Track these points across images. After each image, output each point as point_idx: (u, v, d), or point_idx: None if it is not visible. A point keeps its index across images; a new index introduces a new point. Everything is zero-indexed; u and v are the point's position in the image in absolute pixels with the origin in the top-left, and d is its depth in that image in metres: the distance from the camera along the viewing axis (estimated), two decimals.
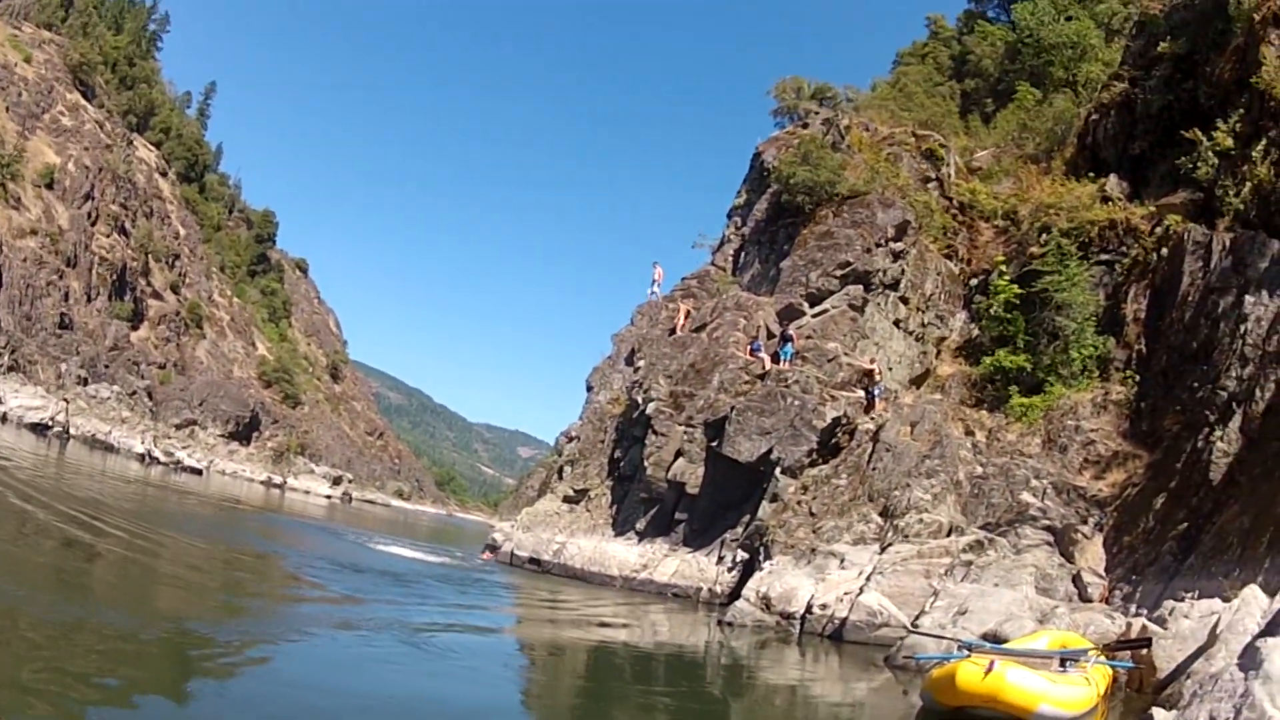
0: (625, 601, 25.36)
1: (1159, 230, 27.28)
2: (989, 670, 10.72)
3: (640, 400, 31.79)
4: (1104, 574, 20.69)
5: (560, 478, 37.76)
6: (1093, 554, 21.46)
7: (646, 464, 30.14)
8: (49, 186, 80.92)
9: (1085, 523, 22.39)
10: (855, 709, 13.15)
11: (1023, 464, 24.36)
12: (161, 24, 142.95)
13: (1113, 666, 13.27)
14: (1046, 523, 21.75)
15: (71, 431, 60.54)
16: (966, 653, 11.57)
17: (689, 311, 35.15)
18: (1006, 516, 22.59)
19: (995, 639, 15.32)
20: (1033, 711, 10.73)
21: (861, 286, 30.46)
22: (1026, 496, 22.98)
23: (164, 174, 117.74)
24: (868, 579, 20.58)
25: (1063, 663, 12.36)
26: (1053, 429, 25.70)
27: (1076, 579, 20.36)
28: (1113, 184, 30.66)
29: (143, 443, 67.36)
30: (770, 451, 27.32)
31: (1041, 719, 10.76)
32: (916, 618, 18.16)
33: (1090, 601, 19.32)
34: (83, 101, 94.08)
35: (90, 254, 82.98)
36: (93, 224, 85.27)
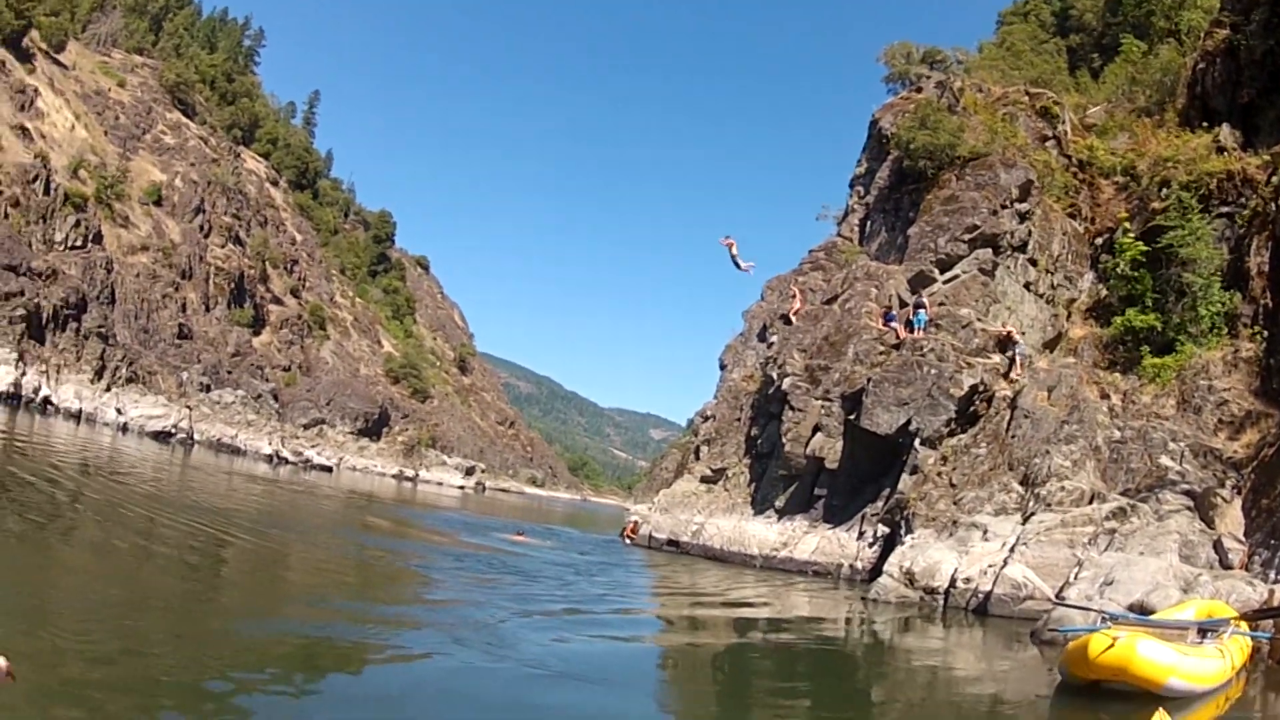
0: (766, 581, 25.21)
1: (1275, 180, 26.23)
2: (1117, 642, 10.47)
3: (775, 376, 31.53)
4: (1243, 539, 19.85)
5: (697, 458, 37.70)
6: (1232, 518, 20.60)
7: (784, 440, 29.88)
8: (157, 203, 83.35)
9: (1223, 486, 21.45)
10: (998, 686, 12.89)
11: (1159, 427, 23.47)
12: (257, 39, 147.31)
13: (1252, 637, 12.87)
14: (1186, 487, 20.89)
15: (196, 437, 62.57)
16: (1108, 625, 11.24)
17: (803, 295, 34.78)
18: (1146, 481, 21.79)
19: (1142, 610, 14.84)
20: (1162, 685, 10.50)
21: (990, 250, 29.67)
22: (1165, 460, 22.13)
23: (275, 183, 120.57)
24: (1011, 550, 20.11)
25: (1201, 633, 12.03)
26: (1186, 389, 24.73)
27: (1217, 545, 19.51)
28: (1225, 134, 29.54)
29: (270, 444, 69.49)
30: (909, 423, 26.85)
31: (1171, 692, 10.50)
32: (1061, 589, 17.66)
33: (1231, 568, 18.51)
34: (184, 119, 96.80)
35: (205, 265, 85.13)
36: (206, 236, 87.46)
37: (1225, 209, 27.78)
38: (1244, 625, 12.89)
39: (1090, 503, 21.31)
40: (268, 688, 7.30)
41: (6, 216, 60.60)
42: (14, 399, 49.14)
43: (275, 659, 8.17)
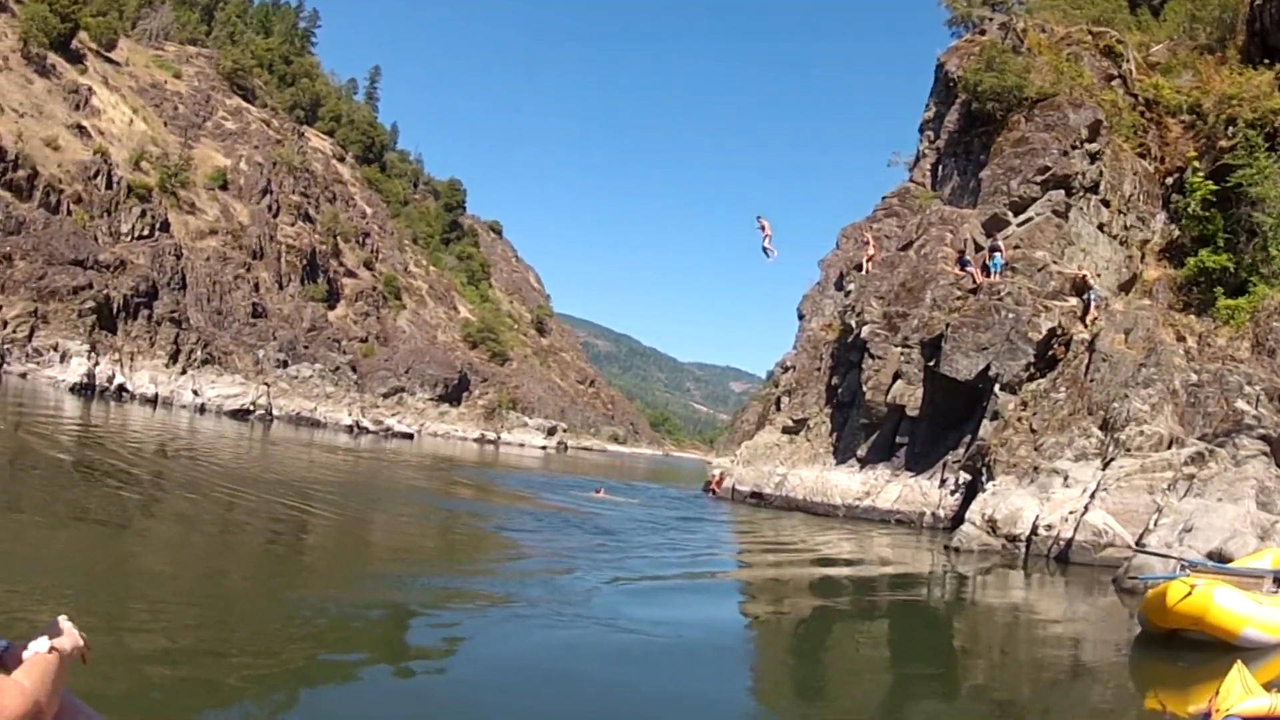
0: (849, 531, 25.27)
1: None
2: (1195, 590, 10.43)
3: (854, 324, 31.47)
4: None
5: (778, 409, 37.78)
6: None
7: (865, 388, 29.89)
8: (223, 188, 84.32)
9: None
10: (1079, 636, 12.91)
11: (1235, 370, 23.12)
12: (312, 20, 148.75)
13: None
14: (1262, 432, 20.54)
15: (275, 413, 63.54)
16: (1186, 572, 11.13)
17: (877, 243, 34.59)
18: (1223, 426, 21.48)
19: (1220, 558, 14.76)
20: (1237, 635, 10.46)
21: (1063, 191, 29.23)
22: (1241, 404, 21.81)
23: (341, 159, 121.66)
24: (1091, 497, 20.06)
25: (1277, 583, 11.90)
26: (1260, 332, 24.32)
27: None
28: None
29: (349, 415, 70.27)
30: (988, 368, 26.75)
31: (1246, 642, 10.43)
32: (1141, 536, 17.57)
33: None
34: (244, 104, 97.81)
35: (276, 244, 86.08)
36: (274, 216, 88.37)
37: None
38: None
39: (1169, 447, 21.14)
40: (351, 661, 7.45)
41: (69, 213, 61.66)
42: (88, 389, 50.11)
43: (358, 633, 8.32)
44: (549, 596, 10.81)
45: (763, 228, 33.47)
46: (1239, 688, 6.17)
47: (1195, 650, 10.59)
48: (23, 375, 48.24)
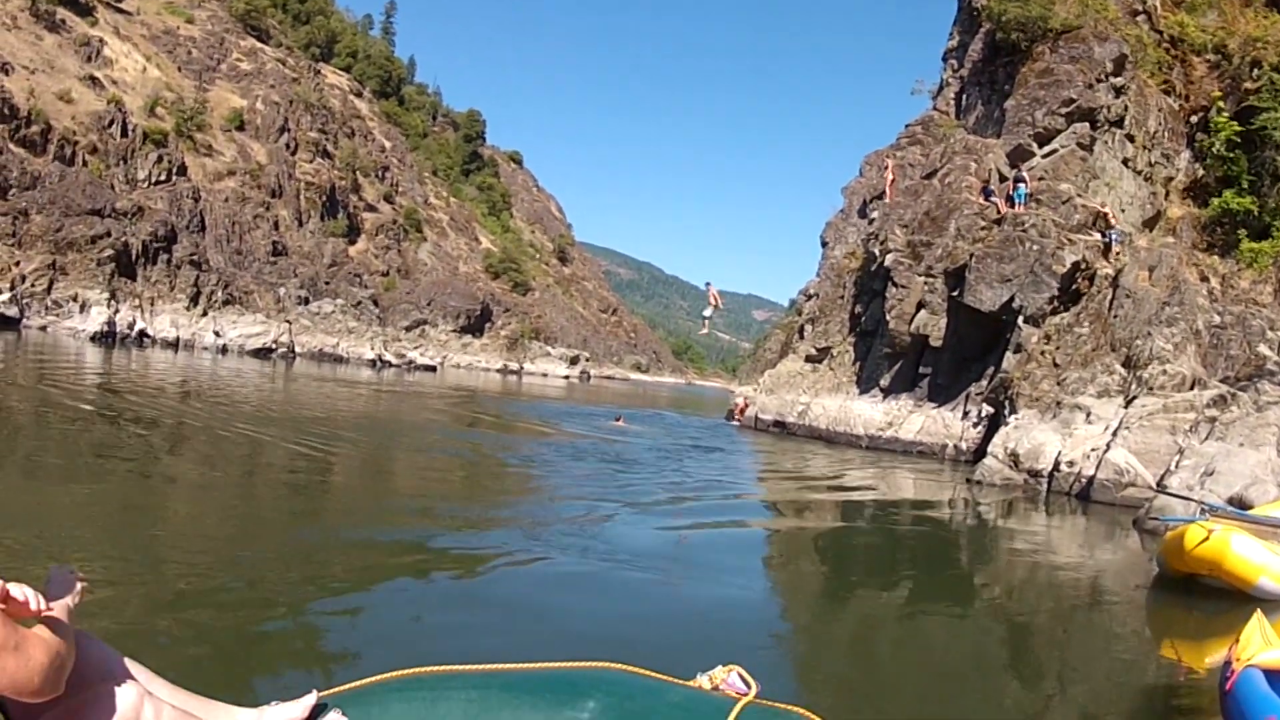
0: (872, 462, 25.46)
1: None
2: (1212, 535, 10.47)
3: (877, 252, 31.49)
4: None
5: (801, 337, 37.93)
6: None
7: (888, 317, 29.98)
8: (239, 128, 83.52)
9: None
10: (1098, 575, 12.97)
11: (1257, 314, 23.18)
12: None
13: None
14: None
15: (297, 350, 64.26)
16: (1206, 516, 11.14)
17: (896, 172, 34.48)
18: (1245, 370, 21.44)
19: (1241, 504, 14.53)
20: (1253, 584, 10.47)
21: (1088, 124, 29.04)
22: (1264, 349, 21.73)
23: (359, 95, 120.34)
24: (1114, 434, 20.13)
25: None
26: None
27: None
28: None
29: (372, 349, 70.97)
30: (1012, 300, 26.79)
31: (1261, 592, 10.41)
32: (1163, 477, 17.54)
33: None
34: (259, 45, 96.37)
35: (295, 182, 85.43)
36: (293, 154, 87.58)
37: None
38: None
39: (1191, 388, 21.18)
40: (376, 596, 7.55)
41: (85, 164, 61.38)
42: (109, 337, 50.49)
43: (383, 566, 8.47)
44: (566, 531, 10.94)
45: (712, 298, 33.38)
46: (1258, 638, 6.04)
47: (1212, 598, 10.64)
48: (43, 328, 48.55)
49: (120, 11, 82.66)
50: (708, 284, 34.03)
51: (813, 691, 6.44)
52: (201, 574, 7.49)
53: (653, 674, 3.31)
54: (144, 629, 5.95)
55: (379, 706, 3.11)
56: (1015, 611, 10.38)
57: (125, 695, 2.64)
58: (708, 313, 34.68)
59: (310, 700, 3.11)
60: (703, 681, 3.38)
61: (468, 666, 3.35)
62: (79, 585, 2.80)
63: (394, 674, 3.25)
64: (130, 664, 2.85)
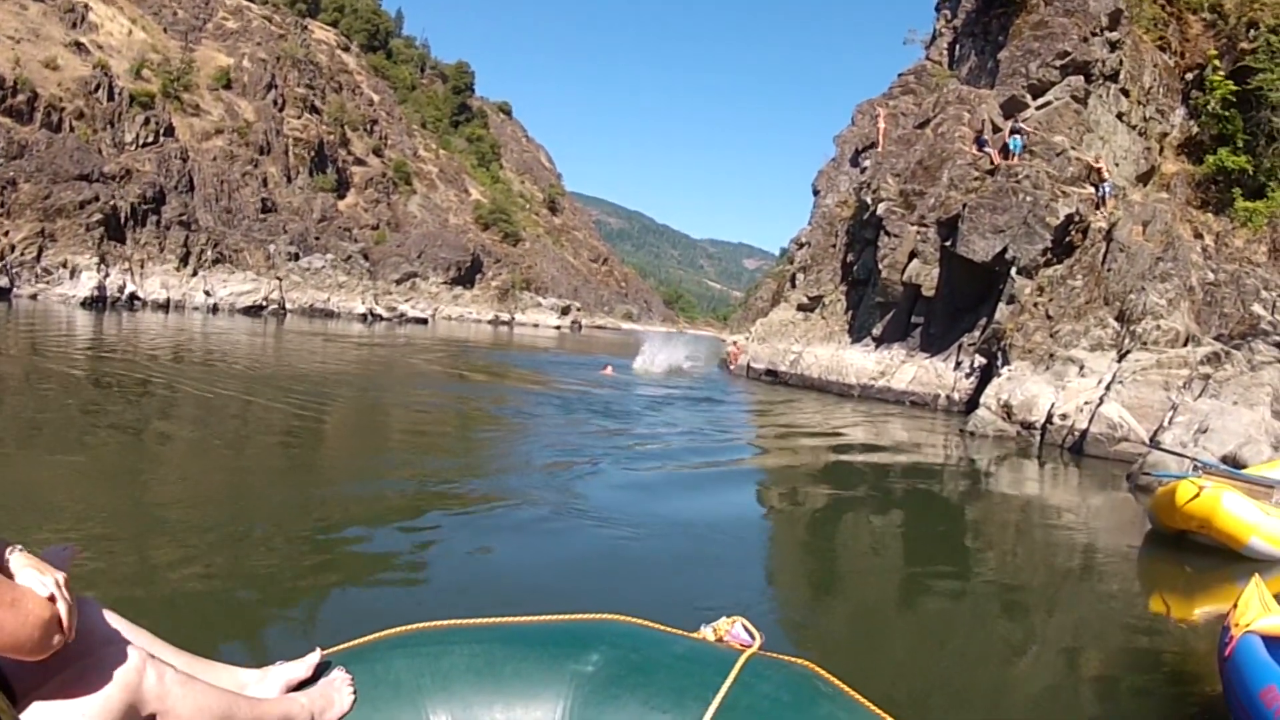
0: (864, 413, 25.55)
1: None
2: (1203, 492, 10.48)
3: (870, 201, 31.47)
4: None
5: (793, 286, 37.96)
6: None
7: (880, 266, 30.01)
8: (226, 87, 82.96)
9: None
10: (1090, 530, 13.01)
11: (1252, 273, 23.27)
12: None
13: None
14: (1277, 339, 20.54)
15: (288, 306, 64.52)
16: (1199, 473, 11.16)
17: (888, 121, 34.37)
18: (1239, 329, 21.56)
19: (1234, 463, 14.68)
20: (1243, 543, 10.48)
21: (1082, 78, 28.87)
22: (1258, 309, 21.86)
23: (346, 49, 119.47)
24: (1107, 388, 20.21)
25: None
26: (1277, 237, 24.47)
27: None
28: None
29: (363, 303, 71.32)
30: (1005, 250, 26.77)
31: (1252, 552, 10.46)
32: (1156, 433, 17.68)
33: None
34: (245, 3, 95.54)
35: (283, 138, 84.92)
36: (280, 110, 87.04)
37: None
38: None
39: (1184, 345, 21.23)
40: (368, 554, 7.65)
41: (72, 130, 60.90)
42: (99, 302, 50.42)
43: (374, 524, 8.55)
44: (553, 485, 11.06)
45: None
46: (1257, 604, 6.09)
47: (1204, 555, 10.71)
48: (33, 297, 48.27)
49: None
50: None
51: (805, 644, 6.54)
52: (197, 537, 7.57)
53: (657, 626, 3.33)
54: (142, 594, 6.03)
55: (382, 663, 3.13)
56: (1010, 566, 10.47)
57: (129, 658, 2.63)
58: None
59: (314, 659, 3.12)
60: (706, 633, 3.40)
61: (471, 621, 3.36)
62: (69, 558, 2.79)
63: (397, 630, 3.27)
64: (132, 628, 2.86)
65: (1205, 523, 10.59)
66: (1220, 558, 10.61)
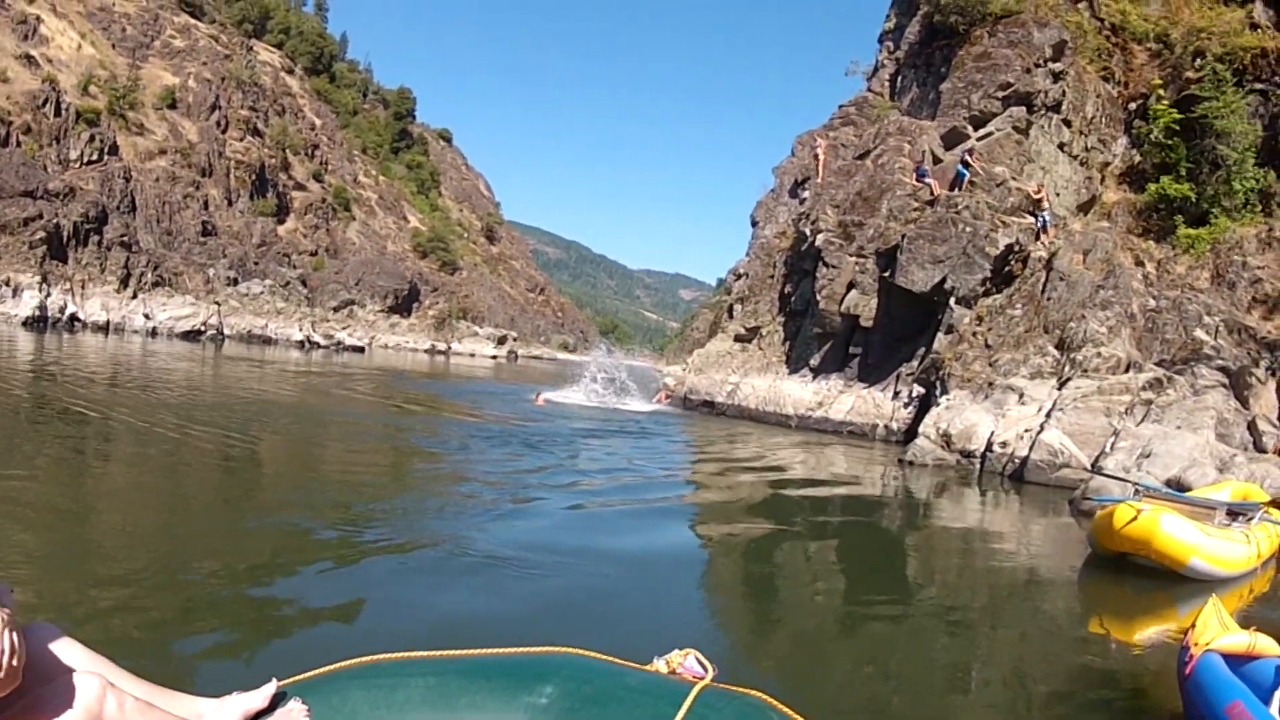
0: (802, 442, 25.30)
1: None
2: (1141, 515, 10.50)
3: (808, 232, 31.37)
4: (1277, 423, 19.89)
5: (730, 317, 37.76)
6: (1266, 401, 20.69)
7: (819, 297, 29.87)
8: (171, 106, 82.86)
9: (1258, 366, 21.54)
10: (1032, 555, 12.95)
11: (1194, 299, 23.44)
12: None
13: None
14: (1220, 363, 20.79)
15: (226, 331, 63.81)
16: (1138, 496, 11.32)
17: (828, 154, 34.43)
18: (1181, 354, 21.75)
19: (1179, 486, 14.82)
20: (1184, 564, 10.52)
21: (1024, 108, 29.13)
22: (1200, 334, 22.06)
23: (290, 72, 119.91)
24: (1047, 416, 20.14)
25: (1231, 516, 11.86)
26: (1220, 263, 24.83)
27: (1251, 426, 19.54)
28: (1259, 11, 29.26)
29: (300, 330, 70.64)
30: (944, 281, 26.78)
31: (1192, 572, 10.54)
32: (1098, 459, 17.67)
33: (1264, 452, 18.54)
34: (192, 21, 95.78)
35: (225, 160, 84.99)
36: (223, 132, 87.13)
37: (1260, 85, 27.69)
38: (1275, 513, 12.73)
39: (1126, 371, 21.30)
40: (309, 584, 7.47)
41: (19, 144, 60.61)
42: (40, 321, 49.86)
43: (313, 555, 8.39)
44: (490, 521, 10.64)
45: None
46: (1216, 623, 6.15)
47: (1145, 576, 10.75)
48: None
49: None
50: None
51: (756, 675, 6.26)
52: (139, 567, 7.40)
53: (610, 658, 3.31)
54: (87, 626, 5.76)
55: (338, 695, 3.11)
56: (953, 591, 10.35)
57: (88, 686, 2.65)
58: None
59: (270, 689, 3.12)
60: (659, 665, 3.40)
61: (426, 653, 3.37)
62: (12, 597, 2.80)
63: (352, 661, 3.26)
64: (91, 655, 2.88)
65: (1144, 545, 10.61)
66: (1161, 579, 10.63)
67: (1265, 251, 24.84)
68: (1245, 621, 7.25)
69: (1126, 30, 32.31)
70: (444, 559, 8.71)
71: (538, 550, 9.29)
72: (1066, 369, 22.13)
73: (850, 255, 29.29)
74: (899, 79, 35.61)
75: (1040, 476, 18.86)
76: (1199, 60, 28.64)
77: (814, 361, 30.81)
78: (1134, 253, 26.31)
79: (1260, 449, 18.83)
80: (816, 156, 34.68)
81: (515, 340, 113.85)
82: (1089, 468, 17.48)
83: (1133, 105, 31.08)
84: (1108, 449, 17.65)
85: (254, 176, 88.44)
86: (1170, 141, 28.18)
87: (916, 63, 34.25)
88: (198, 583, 7.17)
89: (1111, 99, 31.33)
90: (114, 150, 70.23)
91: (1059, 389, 21.40)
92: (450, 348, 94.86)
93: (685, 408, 34.08)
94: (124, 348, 42.20)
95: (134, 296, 62.05)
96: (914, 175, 29.35)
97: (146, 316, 58.90)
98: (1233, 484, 14.32)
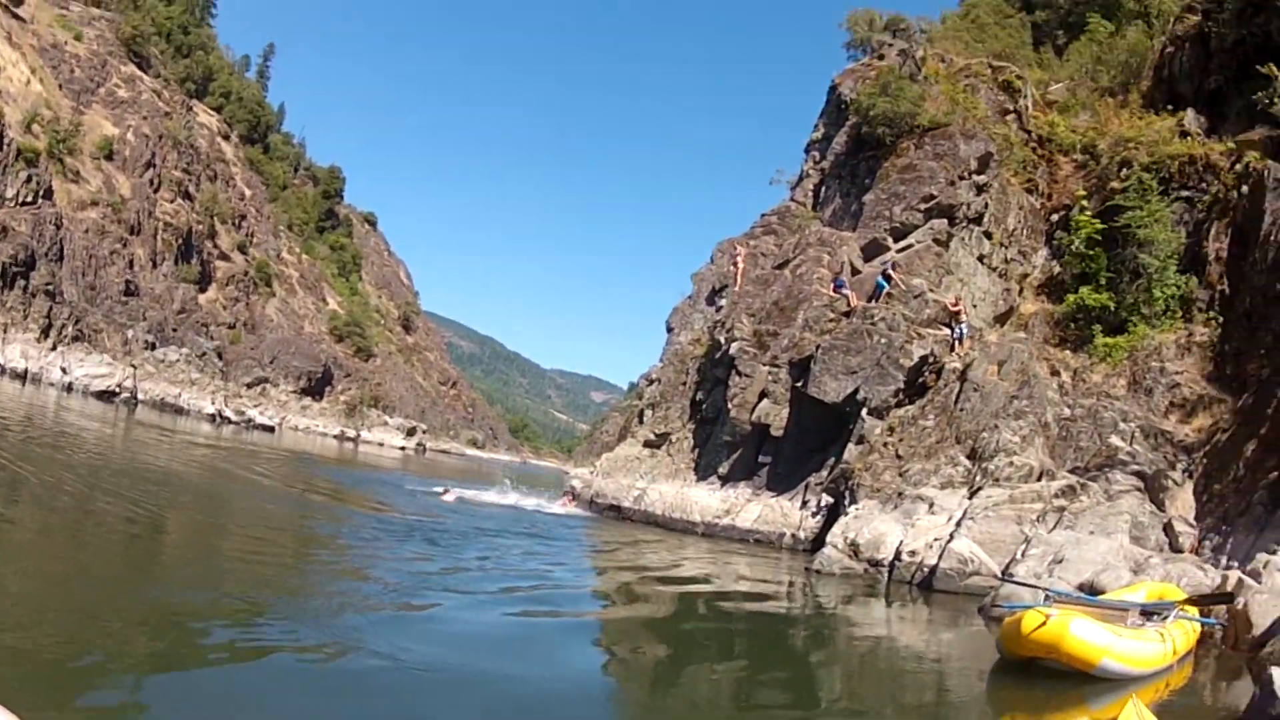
0: (708, 550, 24.90)
1: (1238, 167, 26.60)
2: (1050, 620, 10.36)
3: (723, 340, 31.17)
4: (1194, 523, 19.97)
5: (641, 422, 37.30)
6: (1183, 502, 20.76)
7: (730, 406, 29.54)
8: (108, 158, 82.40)
9: (1174, 468, 21.67)
10: (940, 662, 12.77)
11: (1110, 406, 23.65)
12: None
13: (1201, 623, 12.78)
14: (1136, 468, 20.98)
15: (140, 396, 62.51)
16: (1049, 602, 11.21)
17: (747, 262, 34.46)
18: (1095, 461, 21.91)
19: (1092, 590, 14.77)
20: (1095, 665, 10.40)
21: (945, 220, 29.50)
22: (1115, 440, 22.21)
23: (226, 137, 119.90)
24: (958, 525, 19.89)
25: (1146, 616, 11.91)
26: (1137, 370, 25.09)
27: (1168, 528, 19.56)
28: (1190, 119, 29.84)
29: (213, 403, 69.21)
30: (856, 391, 26.65)
31: (1104, 673, 10.43)
32: (1009, 566, 17.49)
33: (1181, 551, 18.63)
34: (139, 73, 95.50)
35: (154, 220, 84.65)
36: (156, 191, 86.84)
37: (1185, 193, 28.18)
38: (1191, 610, 12.80)
39: (1039, 480, 21.26)
40: (190, 677, 7.24)
41: None
42: None
43: (198, 647, 8.08)
44: (383, 631, 9.88)
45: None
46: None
47: (1054, 679, 10.57)
48: None
49: (16, 17, 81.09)
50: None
51: None
52: (34, 645, 7.10)
53: None
54: None
55: None
56: (861, 703, 10.11)
57: None
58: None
59: None
60: None
61: None
62: None
63: None
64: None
65: (1053, 649, 10.47)
66: (1072, 680, 10.51)
67: (1184, 356, 25.06)
68: (1165, 715, 7.47)
69: (1054, 142, 33.11)
70: (336, 669, 8.17)
71: (434, 668, 8.60)
72: (978, 478, 22.04)
73: (764, 364, 29.08)
74: (823, 189, 35.91)
75: (949, 585, 18.51)
76: (1125, 170, 29.18)
77: (723, 469, 30.33)
78: (1050, 362, 26.49)
79: (1176, 549, 18.85)
80: (736, 264, 34.64)
81: (425, 433, 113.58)
82: (999, 575, 17.20)
83: (1055, 216, 31.65)
84: (1019, 556, 17.49)
85: (180, 240, 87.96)
86: (1091, 251, 28.59)
87: (841, 173, 34.58)
88: (92, 668, 6.86)
89: (1034, 210, 31.87)
90: (49, 194, 69.49)
91: (970, 498, 21.25)
92: (360, 435, 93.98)
93: (591, 510, 33.35)
94: (39, 399, 41.73)
95: (53, 348, 61.17)
96: (832, 286, 29.30)
97: (64, 370, 57.85)
98: (1148, 585, 14.37)
